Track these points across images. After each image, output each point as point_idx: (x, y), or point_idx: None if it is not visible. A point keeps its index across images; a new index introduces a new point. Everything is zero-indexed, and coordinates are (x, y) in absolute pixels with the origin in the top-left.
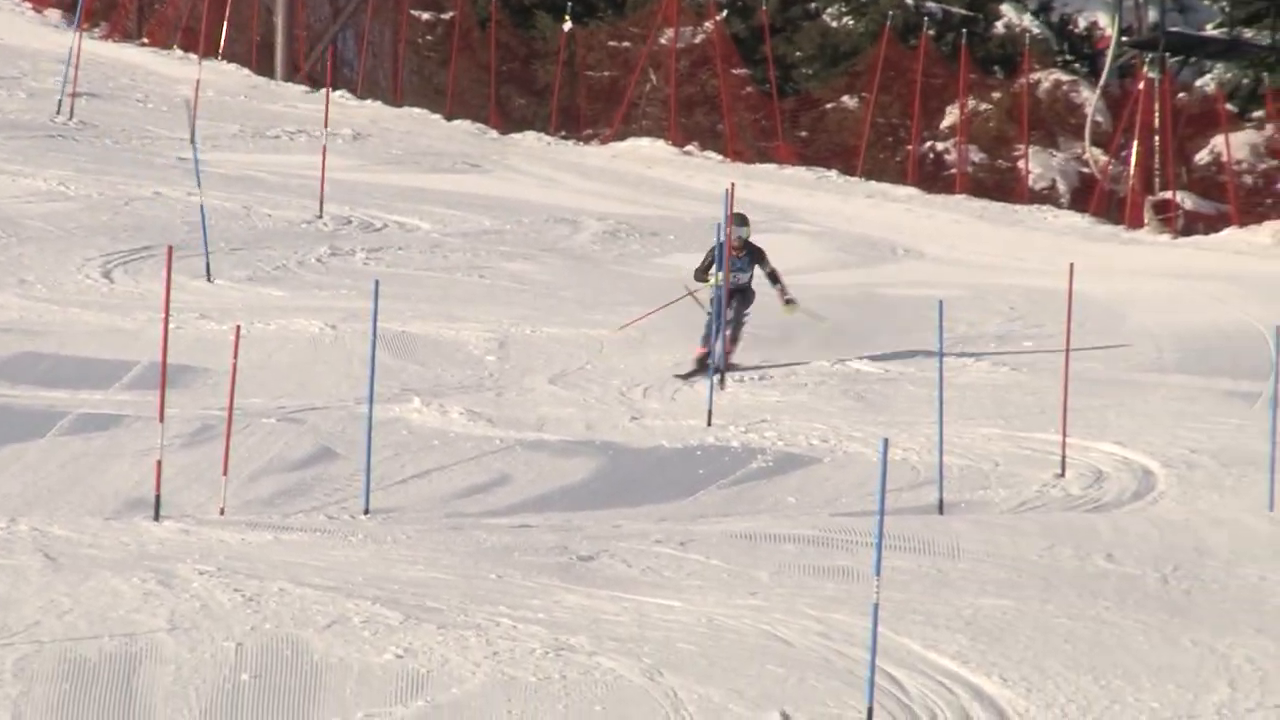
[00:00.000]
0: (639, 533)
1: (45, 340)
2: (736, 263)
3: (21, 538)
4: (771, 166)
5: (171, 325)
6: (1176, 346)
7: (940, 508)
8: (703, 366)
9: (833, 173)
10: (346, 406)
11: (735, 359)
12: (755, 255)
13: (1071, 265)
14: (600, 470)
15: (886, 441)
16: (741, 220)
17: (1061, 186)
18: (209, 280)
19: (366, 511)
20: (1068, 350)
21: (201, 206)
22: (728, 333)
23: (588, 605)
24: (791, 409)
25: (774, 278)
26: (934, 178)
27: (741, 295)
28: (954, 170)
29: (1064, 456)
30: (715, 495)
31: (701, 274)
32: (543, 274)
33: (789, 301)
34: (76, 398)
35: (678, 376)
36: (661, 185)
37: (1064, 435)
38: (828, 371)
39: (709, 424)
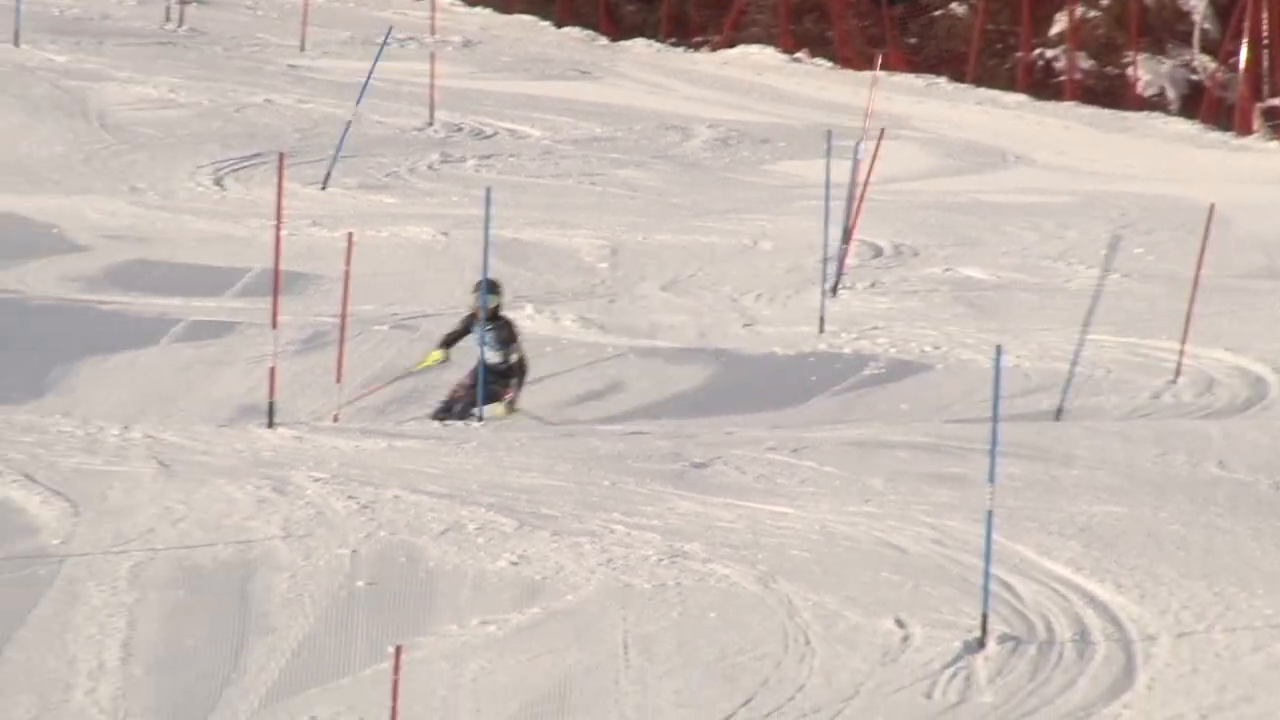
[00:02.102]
0: (752, 440)
1: (157, 248)
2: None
3: (135, 445)
4: (881, 73)
5: (284, 232)
6: None
7: (1058, 414)
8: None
9: (942, 79)
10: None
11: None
12: (505, 332)
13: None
14: (713, 377)
15: (1001, 349)
16: (491, 288)
17: (1171, 93)
18: (323, 189)
19: (480, 419)
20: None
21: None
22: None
23: (701, 512)
24: (903, 316)
25: (517, 371)
26: (1043, 84)
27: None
28: (1064, 77)
29: (1180, 362)
30: (828, 403)
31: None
32: (653, 181)
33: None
34: (189, 305)
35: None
36: (771, 92)
37: (1184, 341)
38: (939, 279)
39: (821, 331)
